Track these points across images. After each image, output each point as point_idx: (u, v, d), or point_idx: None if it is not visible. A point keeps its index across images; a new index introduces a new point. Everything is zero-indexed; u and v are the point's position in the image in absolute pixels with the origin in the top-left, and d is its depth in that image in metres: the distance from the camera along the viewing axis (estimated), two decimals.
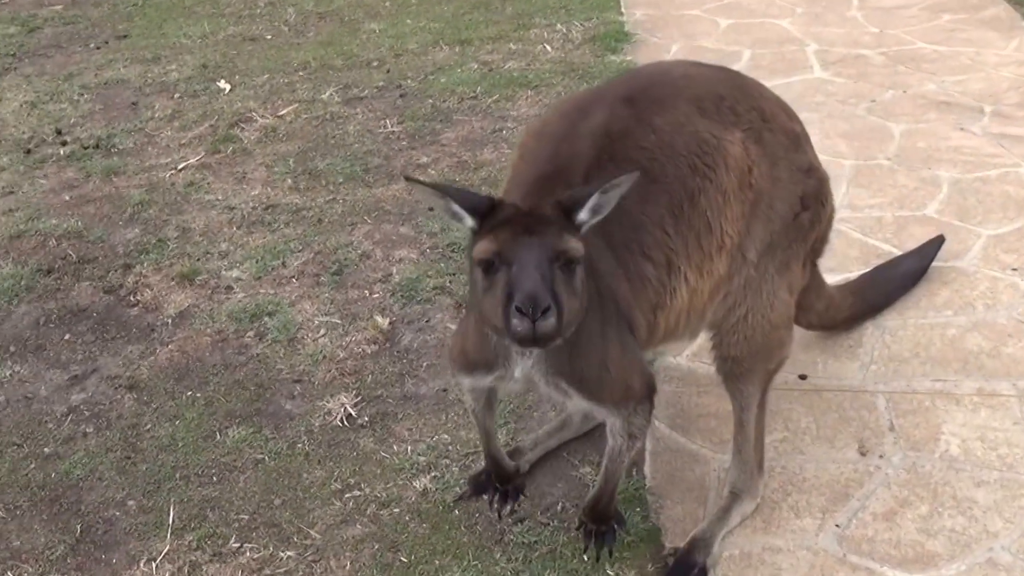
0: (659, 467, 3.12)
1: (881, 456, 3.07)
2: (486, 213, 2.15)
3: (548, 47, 6.43)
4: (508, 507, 2.89)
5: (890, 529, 2.81)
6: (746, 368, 2.76)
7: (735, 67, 5.76)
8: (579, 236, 2.14)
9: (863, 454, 3.08)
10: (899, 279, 3.72)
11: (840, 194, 4.40)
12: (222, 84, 6.38)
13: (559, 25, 6.75)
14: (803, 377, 3.41)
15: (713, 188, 2.48)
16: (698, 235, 2.49)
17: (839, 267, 3.90)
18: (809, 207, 2.66)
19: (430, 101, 5.79)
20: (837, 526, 2.83)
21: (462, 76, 6.08)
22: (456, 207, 2.16)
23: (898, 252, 3.96)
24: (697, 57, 6.03)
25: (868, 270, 3.78)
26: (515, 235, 2.07)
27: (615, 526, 2.75)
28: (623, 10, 7.04)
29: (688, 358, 3.56)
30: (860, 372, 3.41)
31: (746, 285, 2.64)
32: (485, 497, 2.95)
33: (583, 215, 2.15)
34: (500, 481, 2.88)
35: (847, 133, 5.06)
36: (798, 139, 2.69)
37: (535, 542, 2.87)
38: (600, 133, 2.47)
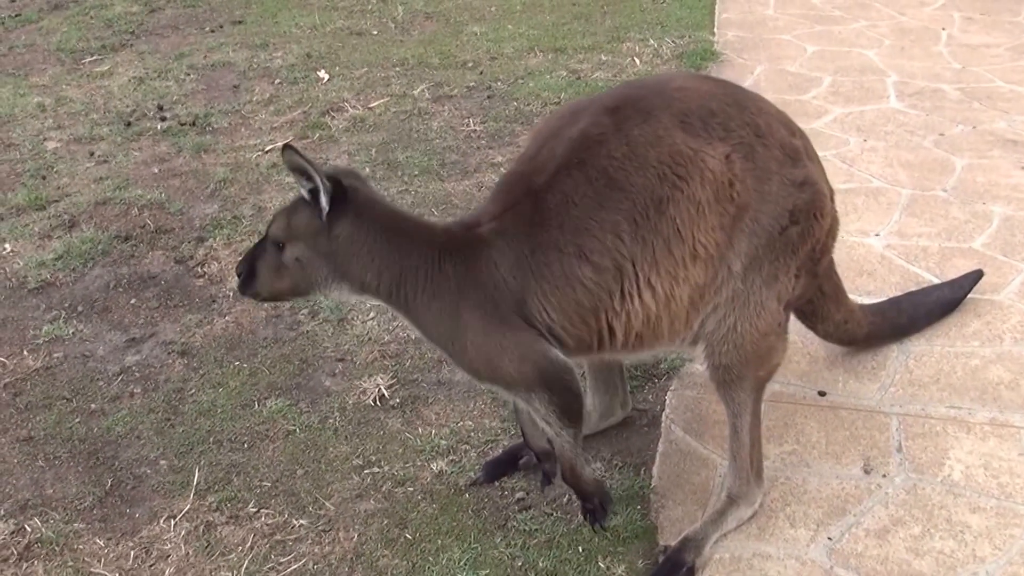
0: (667, 468, 3.11)
1: (884, 475, 3.03)
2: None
3: (637, 60, 6.40)
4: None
5: (880, 546, 2.78)
6: (736, 375, 2.75)
7: (812, 92, 5.88)
8: (300, 217, 2.57)
9: (867, 472, 3.05)
10: (928, 306, 3.64)
11: (891, 221, 4.42)
12: (322, 74, 6.53)
13: (652, 40, 6.72)
14: (822, 394, 3.38)
15: (684, 198, 2.54)
16: (667, 242, 2.56)
17: (877, 291, 3.89)
18: (799, 221, 2.65)
19: (515, 104, 5.82)
20: (829, 539, 2.82)
21: (550, 82, 6.09)
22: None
23: (937, 281, 3.90)
24: (778, 80, 5.98)
25: (900, 295, 3.75)
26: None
27: (602, 504, 2.85)
28: (715, 30, 7.04)
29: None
30: (878, 393, 3.37)
31: (734, 297, 2.66)
32: (496, 483, 3.06)
33: (322, 202, 2.53)
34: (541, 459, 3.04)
35: (909, 163, 4.97)
36: (797, 153, 2.68)
37: (535, 530, 2.89)
38: (578, 138, 2.60)
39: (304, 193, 2.56)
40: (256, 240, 2.83)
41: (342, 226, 2.56)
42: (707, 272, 2.62)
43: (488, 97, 5.97)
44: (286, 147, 2.49)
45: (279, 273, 2.62)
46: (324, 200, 2.52)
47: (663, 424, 3.28)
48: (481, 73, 6.36)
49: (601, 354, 2.78)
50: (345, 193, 2.55)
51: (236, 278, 2.74)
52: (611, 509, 2.87)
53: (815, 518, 2.88)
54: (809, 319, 3.26)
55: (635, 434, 3.25)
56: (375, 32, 7.39)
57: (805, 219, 2.66)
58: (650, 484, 3.04)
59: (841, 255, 3.98)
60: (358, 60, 6.79)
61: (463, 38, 7.10)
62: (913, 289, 3.79)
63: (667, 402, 3.38)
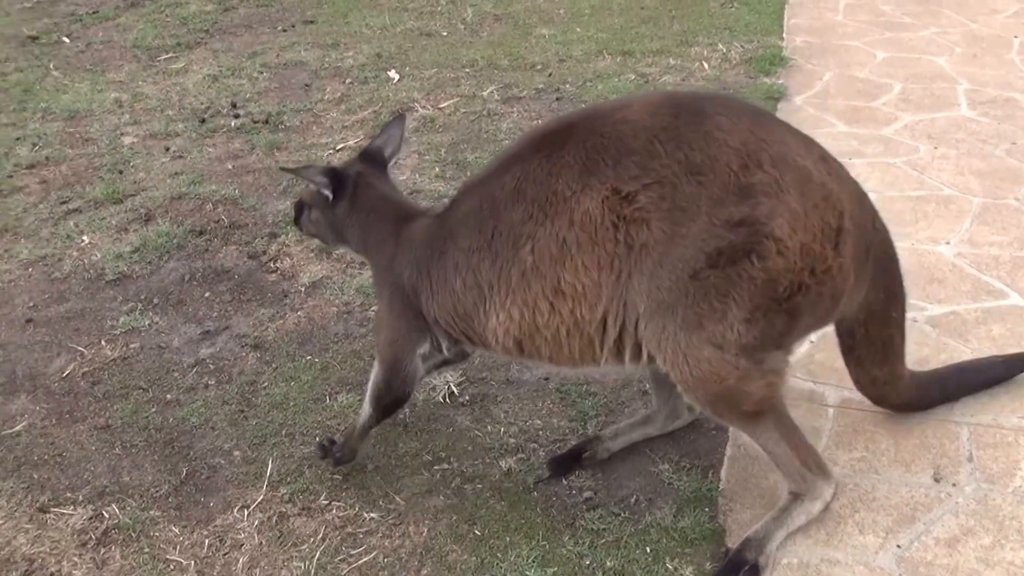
0: (735, 471, 3.10)
1: (954, 484, 2.99)
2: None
3: (705, 64, 6.37)
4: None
5: (950, 555, 2.74)
6: (716, 414, 2.75)
7: (882, 99, 5.82)
8: (319, 194, 3.18)
9: (937, 480, 3.01)
10: (974, 385, 3.35)
11: (962, 229, 4.36)
12: (392, 74, 6.60)
13: (720, 45, 6.69)
14: None
15: (546, 236, 2.62)
16: (524, 275, 2.67)
17: (948, 299, 3.84)
18: (718, 265, 2.49)
19: (583, 106, 5.81)
20: (898, 547, 2.78)
21: (618, 85, 6.10)
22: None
23: (1008, 290, 3.83)
24: (847, 87, 5.93)
25: (948, 367, 3.42)
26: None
27: (340, 458, 3.14)
28: (784, 35, 6.98)
29: None
30: (949, 403, 3.31)
31: (653, 338, 2.61)
32: (564, 481, 3.08)
33: (325, 193, 3.16)
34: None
35: (981, 171, 4.89)
36: (746, 190, 2.50)
37: (603, 529, 2.90)
38: (499, 161, 2.86)
39: (315, 186, 3.20)
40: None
41: (341, 206, 3.15)
42: (588, 309, 2.64)
43: (557, 99, 5.99)
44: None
45: (308, 223, 3.33)
46: (327, 191, 3.14)
47: (731, 431, 3.25)
48: (550, 75, 6.38)
49: (513, 359, 3.03)
50: (345, 182, 3.12)
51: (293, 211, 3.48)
52: (344, 462, 3.16)
53: (884, 525, 2.85)
54: (845, 355, 3.05)
55: (702, 437, 3.24)
56: (444, 33, 7.45)
57: (730, 263, 2.49)
58: (718, 487, 3.03)
59: (911, 262, 3.95)
60: (428, 60, 6.85)
61: (532, 40, 7.12)
62: (985, 298, 3.66)
63: None
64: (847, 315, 2.86)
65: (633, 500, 3.01)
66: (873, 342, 2.97)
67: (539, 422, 3.36)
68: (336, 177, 3.13)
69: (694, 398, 2.68)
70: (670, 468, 3.11)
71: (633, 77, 6.23)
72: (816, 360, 3.52)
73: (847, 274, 2.64)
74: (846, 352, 3.03)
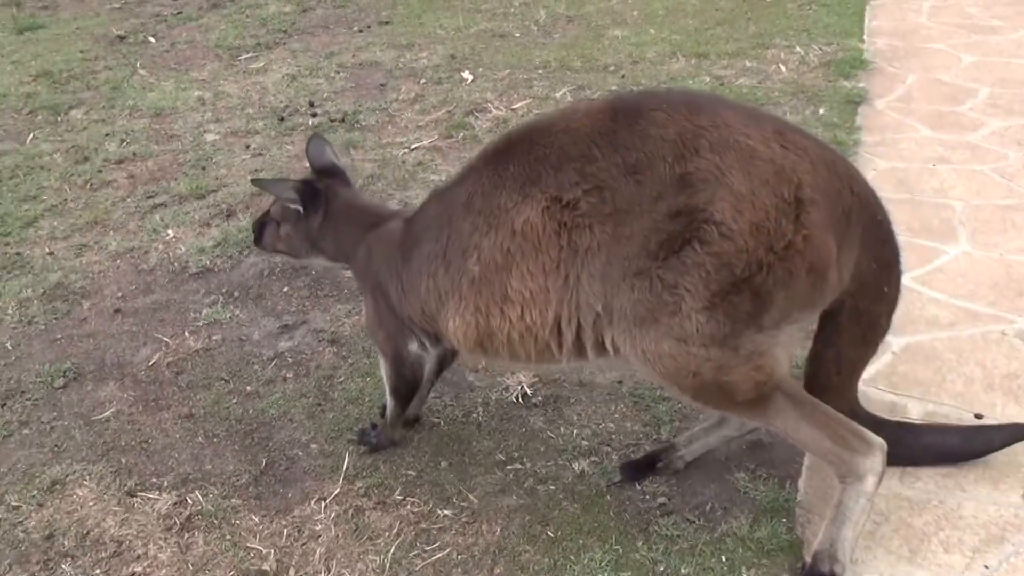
0: (813, 483, 3.05)
1: None
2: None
3: (783, 67, 6.31)
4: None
5: None
6: (717, 409, 2.73)
7: (968, 103, 5.71)
8: (287, 208, 3.27)
9: None
10: (939, 449, 3.09)
11: None
12: (466, 74, 6.66)
13: (798, 47, 6.63)
14: (979, 416, 3.25)
15: (490, 246, 2.71)
16: (474, 284, 2.77)
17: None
18: (659, 257, 2.49)
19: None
20: (985, 567, 2.70)
21: (693, 87, 6.07)
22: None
23: None
24: (932, 91, 5.84)
25: (922, 424, 3.24)
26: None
27: (378, 444, 3.30)
28: (865, 37, 6.87)
29: (863, 382, 3.40)
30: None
31: (618, 338, 2.62)
32: (638, 486, 3.07)
33: (295, 206, 3.26)
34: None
35: None
36: (683, 180, 2.49)
37: (678, 536, 2.89)
38: (462, 172, 2.94)
39: (284, 202, 3.27)
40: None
41: (314, 218, 3.25)
42: (538, 313, 2.70)
43: None
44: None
45: (276, 239, 3.38)
46: (296, 205, 3.23)
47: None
48: (623, 77, 6.38)
49: (482, 360, 3.19)
50: (317, 194, 3.23)
51: (252, 231, 3.52)
52: (382, 448, 3.30)
53: (971, 544, 2.78)
54: (820, 326, 2.85)
55: (779, 445, 3.21)
56: (517, 34, 7.49)
57: (672, 253, 2.48)
58: (795, 498, 3.00)
59: (999, 273, 3.88)
60: (501, 62, 6.90)
61: (604, 42, 7.13)
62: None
63: None
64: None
65: (708, 508, 2.99)
66: (859, 315, 2.78)
67: (612, 425, 3.37)
68: (308, 190, 3.24)
69: (681, 397, 2.66)
70: (746, 476, 3.09)
71: (708, 80, 6.20)
72: (899, 372, 3.48)
73: (822, 246, 2.53)
74: (824, 320, 2.82)
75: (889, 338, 3.59)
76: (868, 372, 3.45)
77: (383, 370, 3.25)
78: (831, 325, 2.80)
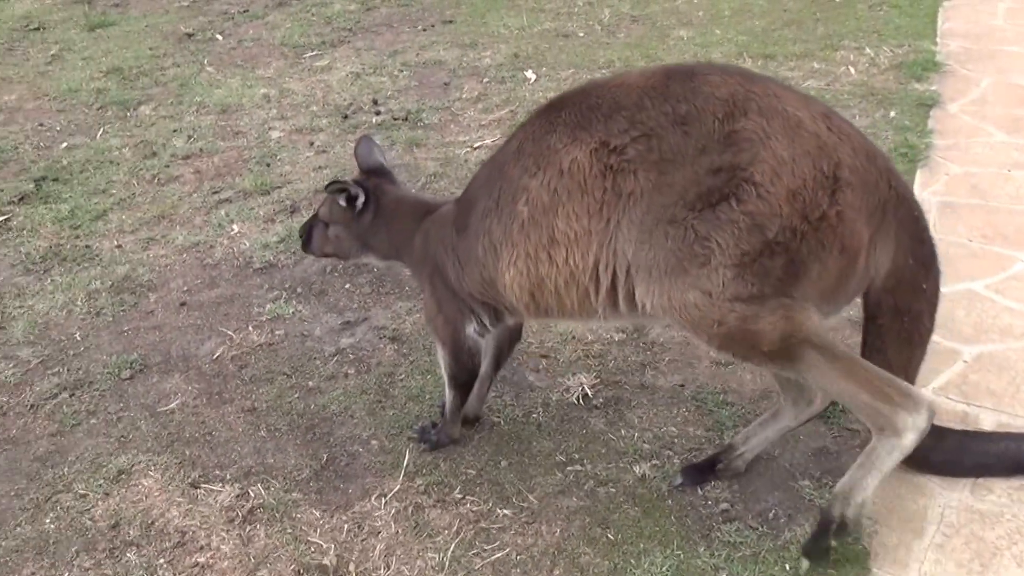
0: (882, 493, 2.97)
1: None
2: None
3: (852, 69, 6.19)
4: None
5: None
6: (746, 360, 2.71)
7: None
8: (337, 208, 3.32)
9: None
10: (989, 456, 3.04)
11: None
12: (529, 74, 6.64)
13: (868, 49, 6.49)
14: None
15: (538, 187, 2.73)
16: (523, 227, 2.79)
17: None
18: (695, 208, 2.53)
19: None
20: None
21: None
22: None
23: None
24: (1008, 94, 5.71)
25: (993, 432, 3.16)
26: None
27: (438, 441, 3.31)
28: (938, 39, 6.68)
29: (934, 391, 3.39)
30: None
31: (642, 285, 2.65)
32: (700, 490, 3.05)
33: (357, 205, 3.30)
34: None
35: None
36: (729, 138, 2.53)
37: (740, 543, 2.85)
38: (517, 130, 2.91)
39: (341, 202, 3.29)
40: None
41: (366, 216, 3.30)
42: (580, 256, 2.73)
43: None
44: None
45: (325, 242, 3.43)
46: (359, 203, 3.28)
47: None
48: None
49: (536, 318, 3.03)
50: (368, 193, 3.28)
51: (299, 238, 3.54)
52: (442, 446, 3.32)
53: None
54: (865, 332, 2.84)
55: (845, 453, 3.16)
56: (581, 34, 7.46)
57: (708, 206, 2.52)
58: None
59: None
60: (564, 61, 6.87)
61: (669, 42, 7.06)
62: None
63: None
64: (876, 282, 2.71)
65: (771, 515, 2.95)
66: (900, 315, 2.76)
67: (674, 429, 3.34)
68: (362, 188, 3.29)
69: (708, 346, 2.66)
70: (811, 484, 3.04)
71: None
72: (970, 381, 3.40)
73: (853, 226, 2.56)
74: (867, 325, 2.82)
75: (961, 347, 3.53)
76: (938, 381, 3.41)
77: (441, 360, 3.26)
78: (875, 329, 2.80)
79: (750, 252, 2.51)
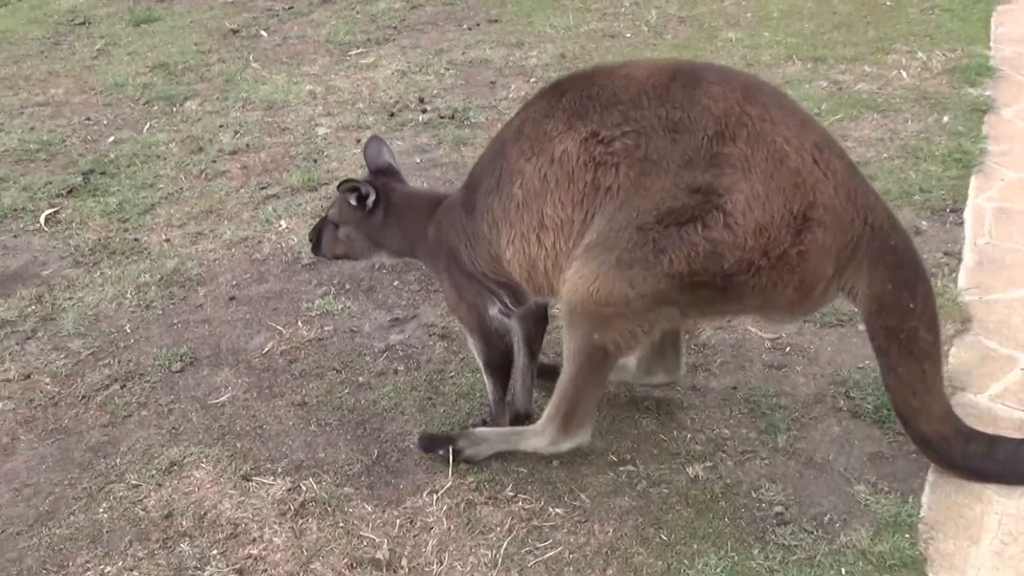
0: (937, 498, 2.96)
1: None
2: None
3: (904, 73, 6.11)
4: None
5: None
6: (569, 320, 2.86)
7: None
8: (348, 208, 3.36)
9: None
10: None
11: None
12: None
13: (920, 53, 6.40)
14: None
15: (532, 172, 2.83)
16: (519, 208, 2.89)
17: None
18: (663, 223, 2.63)
19: None
20: None
21: (809, 91, 5.93)
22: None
23: None
24: None
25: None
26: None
27: (495, 420, 3.35)
28: (991, 44, 6.58)
29: (990, 399, 3.35)
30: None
31: (582, 263, 2.76)
32: (753, 493, 3.04)
33: (368, 204, 3.34)
34: None
35: None
36: (715, 159, 2.61)
37: (795, 546, 2.83)
38: (518, 113, 3.02)
39: (352, 201, 3.33)
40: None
41: (377, 214, 3.34)
42: (562, 240, 2.83)
43: None
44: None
45: (336, 243, 3.46)
46: (369, 201, 3.32)
47: None
48: None
49: (539, 297, 3.14)
50: (378, 192, 3.31)
51: (308, 242, 3.58)
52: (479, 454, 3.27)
53: None
54: (878, 358, 2.93)
55: (902, 459, 3.12)
56: (628, 35, 7.43)
57: (675, 224, 2.62)
58: (918, 513, 2.90)
59: None
60: (611, 62, 6.83)
61: (718, 44, 7.02)
62: None
63: None
64: (861, 309, 2.83)
65: (826, 519, 2.92)
66: (894, 334, 2.83)
67: (727, 431, 3.31)
68: (372, 186, 3.33)
69: (569, 299, 2.81)
70: (866, 489, 3.01)
71: (825, 84, 6.05)
72: None
73: (815, 264, 2.65)
74: (874, 348, 2.91)
75: (1018, 354, 3.49)
76: (995, 388, 3.38)
77: (473, 348, 3.30)
78: (878, 352, 2.89)
79: (698, 274, 2.64)
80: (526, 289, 3.08)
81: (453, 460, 3.17)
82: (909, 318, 2.80)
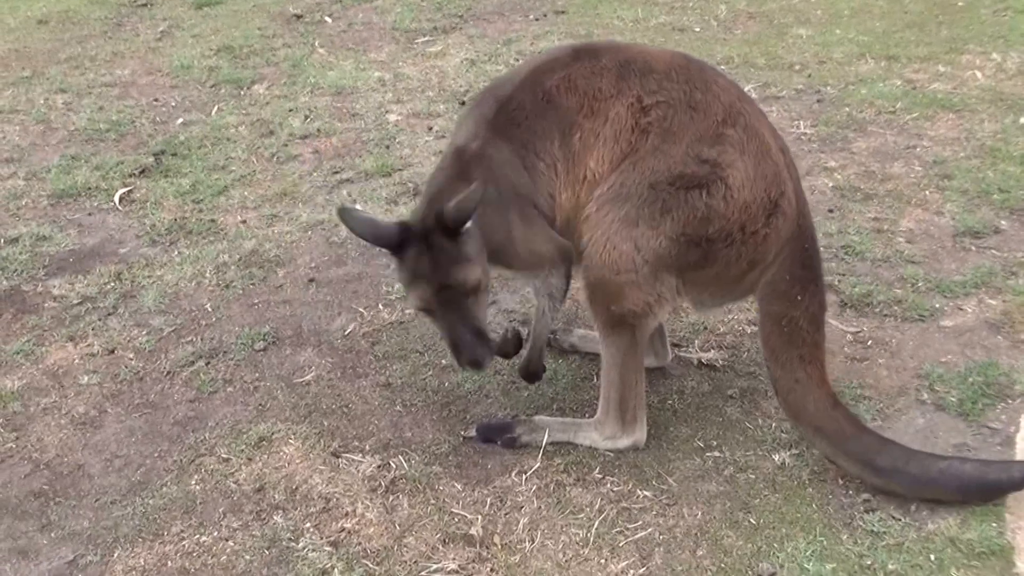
0: None
1: None
2: (398, 243, 2.95)
3: (979, 73, 6.05)
4: None
5: None
6: (590, 295, 3.07)
7: None
8: (466, 251, 2.90)
9: None
10: (938, 475, 2.92)
11: None
12: None
13: (994, 54, 6.33)
14: None
15: (588, 128, 3.02)
16: (571, 158, 3.04)
17: None
18: (675, 185, 2.89)
19: (846, 109, 5.67)
20: None
21: (883, 90, 5.89)
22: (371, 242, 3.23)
23: None
24: None
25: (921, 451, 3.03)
26: (427, 288, 2.92)
27: (534, 372, 3.41)
28: None
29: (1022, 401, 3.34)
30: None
31: (592, 218, 2.99)
32: (840, 481, 3.05)
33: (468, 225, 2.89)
34: None
35: None
36: (722, 139, 2.92)
37: (884, 532, 2.85)
38: (537, 63, 3.18)
39: (468, 225, 2.92)
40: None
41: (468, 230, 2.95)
42: (591, 193, 3.02)
43: (818, 101, 5.85)
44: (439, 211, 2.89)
45: (479, 310, 3.05)
46: (469, 221, 2.90)
47: (1018, 445, 3.13)
48: (809, 76, 6.24)
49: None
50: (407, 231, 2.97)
51: (472, 367, 3.01)
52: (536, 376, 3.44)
53: None
54: (770, 350, 3.12)
55: (987, 450, 3.12)
56: (697, 29, 7.41)
57: (684, 188, 2.89)
58: (1005, 502, 2.90)
59: None
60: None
61: (788, 40, 6.98)
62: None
63: (1022, 423, 3.22)
64: (756, 297, 3.13)
65: (914, 507, 2.93)
66: (776, 320, 3.08)
67: None
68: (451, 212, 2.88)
69: (588, 275, 3.03)
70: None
71: (899, 83, 6.00)
72: None
73: (768, 247, 3.00)
74: (763, 343, 3.15)
75: None
76: None
77: (546, 292, 3.19)
78: (761, 332, 3.14)
79: (687, 235, 2.92)
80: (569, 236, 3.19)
81: (511, 447, 3.27)
82: (794, 307, 3.05)
